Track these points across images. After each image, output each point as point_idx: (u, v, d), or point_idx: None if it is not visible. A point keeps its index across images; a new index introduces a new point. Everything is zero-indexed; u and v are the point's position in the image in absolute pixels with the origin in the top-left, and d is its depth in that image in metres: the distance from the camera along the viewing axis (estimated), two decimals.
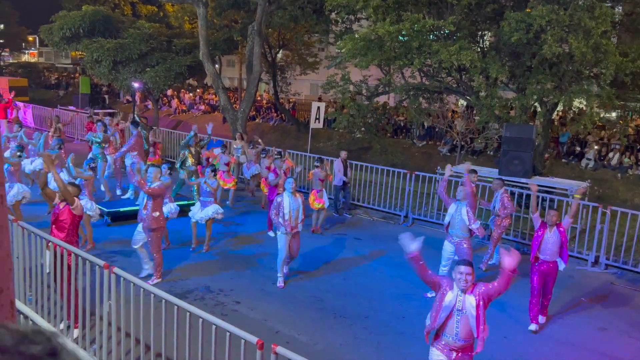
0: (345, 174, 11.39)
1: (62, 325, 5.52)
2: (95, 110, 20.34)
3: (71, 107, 22.22)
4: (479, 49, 13.42)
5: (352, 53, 12.95)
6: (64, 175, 10.36)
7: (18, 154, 9.32)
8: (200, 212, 8.72)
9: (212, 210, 8.72)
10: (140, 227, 7.37)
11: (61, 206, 5.96)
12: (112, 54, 19.26)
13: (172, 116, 27.91)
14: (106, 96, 29.27)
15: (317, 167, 10.35)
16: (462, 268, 4.14)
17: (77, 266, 5.25)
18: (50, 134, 12.48)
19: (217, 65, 24.07)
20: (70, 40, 20.57)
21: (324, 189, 10.28)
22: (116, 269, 4.85)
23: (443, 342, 4.23)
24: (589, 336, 6.66)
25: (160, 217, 7.28)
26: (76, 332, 5.53)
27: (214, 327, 4.08)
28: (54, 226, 5.97)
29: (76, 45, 20.73)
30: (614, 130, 17.61)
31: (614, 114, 18.75)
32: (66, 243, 5.56)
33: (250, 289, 7.44)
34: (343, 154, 11.56)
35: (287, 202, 7.39)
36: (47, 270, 5.61)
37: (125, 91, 25.68)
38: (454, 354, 4.20)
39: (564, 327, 6.88)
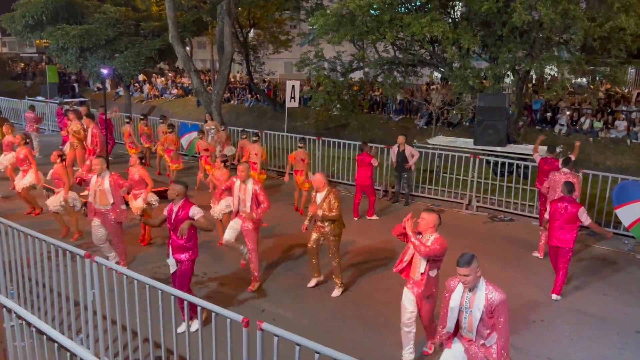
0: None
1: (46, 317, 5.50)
2: (65, 100, 19.85)
3: (39, 98, 21.61)
4: (450, 20, 13.45)
5: (324, 29, 12.85)
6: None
7: None
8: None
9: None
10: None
11: (176, 208, 5.43)
12: (78, 41, 18.75)
13: (145, 102, 27.43)
14: (75, 84, 28.53)
15: None
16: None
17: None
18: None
19: (188, 48, 23.64)
20: (33, 28, 19.92)
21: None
22: (97, 258, 4.83)
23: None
24: (565, 293, 6.90)
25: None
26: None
27: (199, 309, 4.12)
28: (171, 232, 5.44)
29: (40, 33, 20.10)
30: (585, 95, 17.95)
31: (584, 80, 19.06)
32: (192, 251, 5.45)
33: (234, 271, 7.48)
34: (400, 138, 10.79)
35: None
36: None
37: (95, 79, 25.05)
38: None
39: (544, 286, 7.11)
